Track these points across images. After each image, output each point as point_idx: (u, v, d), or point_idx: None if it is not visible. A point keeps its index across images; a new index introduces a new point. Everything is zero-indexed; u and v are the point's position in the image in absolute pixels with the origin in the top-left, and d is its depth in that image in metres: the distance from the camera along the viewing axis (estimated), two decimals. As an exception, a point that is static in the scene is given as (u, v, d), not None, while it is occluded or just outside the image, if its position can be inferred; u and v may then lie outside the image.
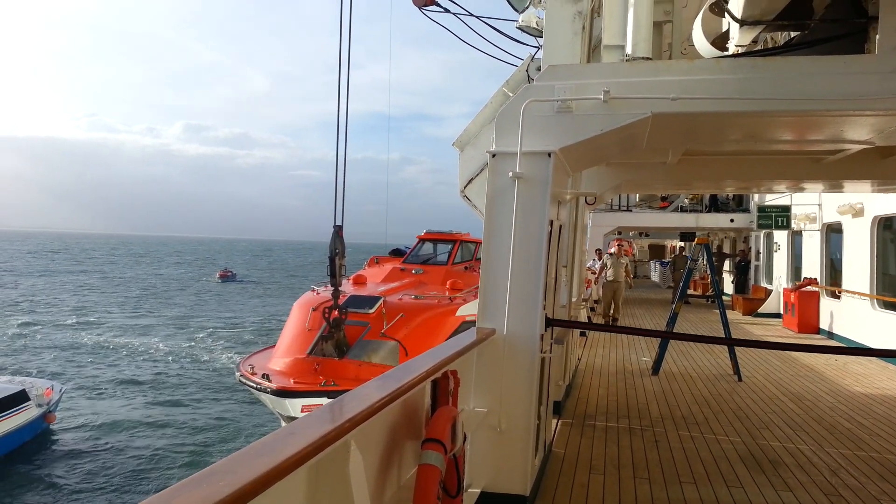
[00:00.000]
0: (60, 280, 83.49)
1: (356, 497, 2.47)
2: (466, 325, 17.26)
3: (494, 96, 8.02)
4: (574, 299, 9.95)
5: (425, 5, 9.82)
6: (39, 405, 20.14)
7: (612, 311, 18.91)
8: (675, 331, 12.09)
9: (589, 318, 17.53)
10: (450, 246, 21.74)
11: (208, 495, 1.54)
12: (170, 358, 35.19)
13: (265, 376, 14.65)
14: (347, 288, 17.63)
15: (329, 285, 15.21)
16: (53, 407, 21.07)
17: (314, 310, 16.23)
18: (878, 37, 4.47)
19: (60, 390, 22.40)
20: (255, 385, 14.47)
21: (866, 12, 4.73)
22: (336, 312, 14.71)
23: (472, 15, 10.19)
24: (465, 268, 20.94)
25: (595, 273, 21.50)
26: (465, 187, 7.89)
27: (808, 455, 7.05)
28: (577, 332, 11.75)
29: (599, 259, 23.05)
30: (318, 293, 17.86)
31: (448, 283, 18.87)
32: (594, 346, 14.30)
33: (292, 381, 14.51)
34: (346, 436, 2.33)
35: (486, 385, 4.83)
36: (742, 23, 4.84)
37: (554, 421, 7.80)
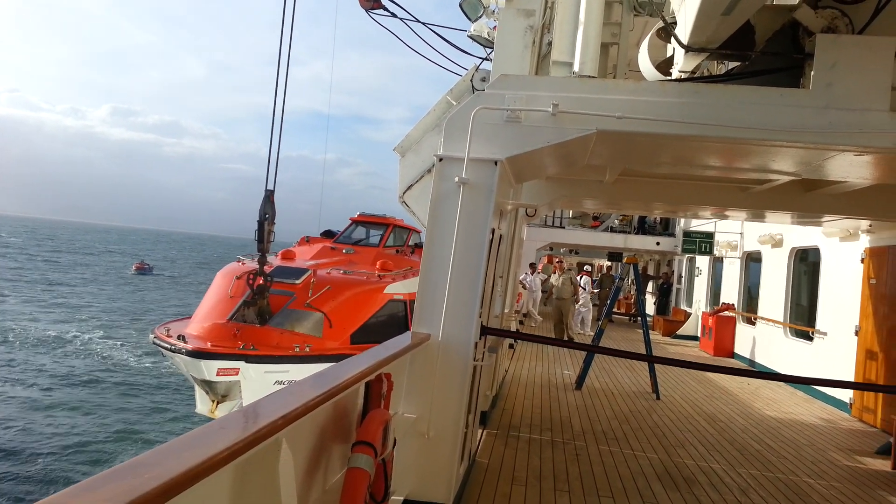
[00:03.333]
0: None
1: (284, 498, 2.37)
2: (394, 302, 17.15)
3: (438, 104, 8.02)
4: (507, 310, 10.02)
5: (372, 8, 9.76)
6: None
7: (565, 333, 18.65)
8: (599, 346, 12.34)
9: (518, 330, 17.72)
10: (382, 229, 21.56)
11: (132, 488, 1.43)
12: (78, 353, 33.55)
13: (181, 337, 14.07)
14: (275, 262, 17.17)
15: (256, 258, 14.78)
16: None
17: (238, 278, 15.76)
18: (812, 73, 4.69)
19: None
20: (169, 346, 13.83)
21: (803, 49, 4.96)
22: (261, 279, 14.30)
23: (419, 21, 10.20)
24: (397, 251, 20.76)
25: (526, 287, 21.75)
26: (404, 193, 7.84)
27: (721, 475, 7.28)
28: (506, 343, 11.83)
29: (532, 273, 23.33)
30: (243, 263, 17.34)
31: (378, 263, 18.62)
32: (521, 359, 14.45)
33: (209, 344, 13.98)
34: (277, 433, 2.22)
35: (418, 391, 4.77)
36: (687, 49, 4.98)
37: (479, 431, 7.80)
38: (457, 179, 4.81)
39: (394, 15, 9.97)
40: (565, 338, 18.28)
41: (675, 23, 5.41)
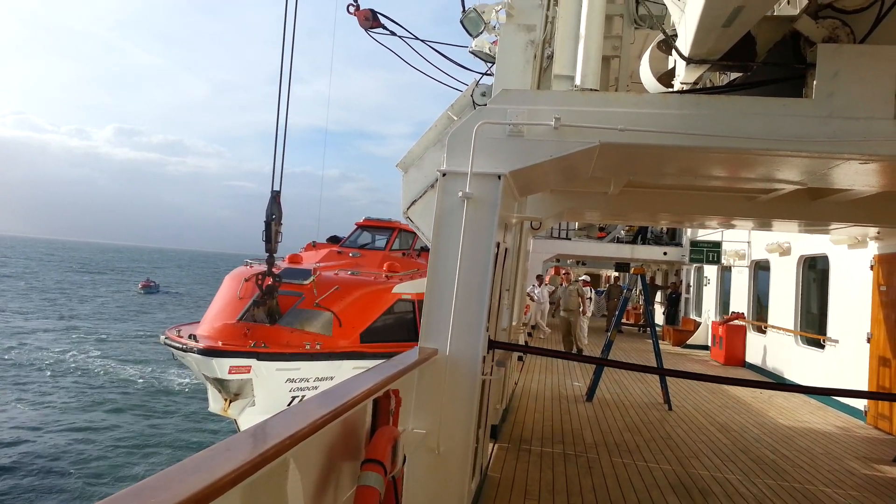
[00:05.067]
0: (-24, 284, 79.14)
1: None
2: (402, 302, 17.20)
3: (439, 119, 8.06)
4: (514, 323, 10.01)
5: (371, 27, 9.84)
6: None
7: (574, 346, 18.50)
8: (609, 358, 12.29)
9: (527, 342, 17.67)
10: (388, 233, 21.63)
11: None
12: (88, 371, 33.69)
13: (192, 337, 14.18)
14: (283, 266, 17.28)
15: (263, 261, 14.86)
16: None
17: (246, 280, 15.85)
18: (815, 83, 4.70)
19: None
20: (180, 346, 13.91)
21: (805, 59, 4.97)
22: (269, 279, 14.35)
23: (418, 39, 10.28)
24: (403, 254, 20.80)
25: (534, 299, 21.70)
26: (408, 208, 7.86)
27: (736, 485, 7.22)
28: (515, 356, 11.82)
29: (540, 285, 23.29)
30: (251, 266, 17.44)
31: (385, 264, 18.69)
32: (531, 371, 14.41)
33: (220, 343, 14.05)
34: (285, 454, 2.23)
35: (427, 406, 4.76)
36: (689, 61, 5.01)
37: (490, 444, 7.77)
38: (460, 194, 4.83)
39: (393, 33, 10.06)
40: (574, 350, 18.20)
41: (676, 35, 5.44)
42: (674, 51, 5.47)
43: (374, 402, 3.45)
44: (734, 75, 5.70)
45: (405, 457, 3.60)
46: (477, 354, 4.83)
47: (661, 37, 6.46)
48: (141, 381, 32.24)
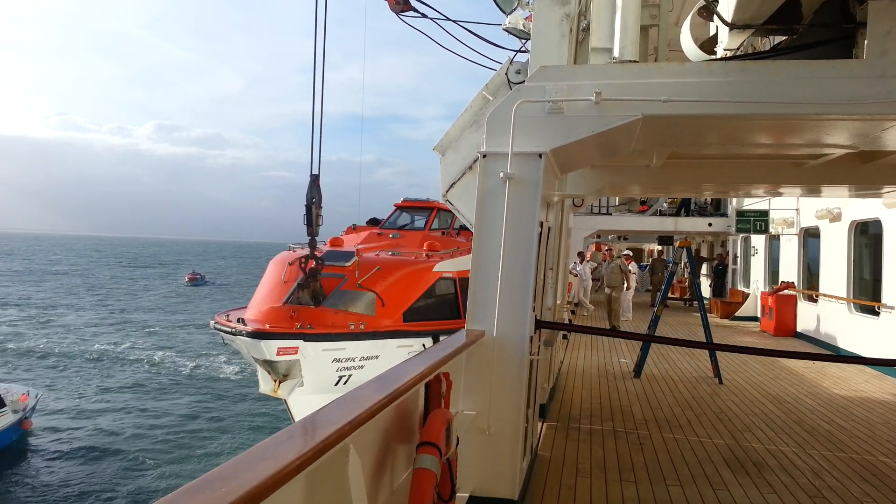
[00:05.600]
0: (29, 281, 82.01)
1: (355, 502, 2.41)
2: (444, 280, 17.32)
3: (474, 100, 8.00)
4: (559, 301, 9.96)
5: (402, 10, 9.79)
6: (15, 411, 19.74)
7: (609, 323, 18.35)
8: (656, 334, 12.16)
9: (570, 320, 17.58)
10: (427, 213, 21.73)
11: (211, 501, 1.48)
12: (142, 361, 34.78)
13: (240, 321, 14.60)
14: (324, 249, 17.54)
15: (305, 244, 15.10)
16: (29, 413, 20.66)
17: (290, 264, 16.11)
18: (866, 42, 4.52)
19: (37, 396, 21.97)
20: (229, 330, 14.31)
21: (854, 18, 4.78)
22: (312, 262, 14.57)
23: (449, 19, 10.18)
24: (443, 233, 20.88)
25: (576, 275, 21.54)
26: (447, 191, 7.85)
27: (791, 457, 7.10)
28: (560, 334, 11.78)
29: (581, 262, 23.10)
30: (294, 250, 17.70)
31: (425, 244, 18.80)
32: (576, 349, 14.34)
33: (268, 325, 14.42)
34: (345, 439, 2.27)
35: (475, 388, 4.78)
36: (732, 26, 4.85)
37: (539, 424, 7.78)
38: (502, 175, 4.80)
39: (424, 15, 9.99)
40: (609, 326, 18.06)
41: (717, 1, 5.28)
42: (716, 16, 5.31)
43: (425, 386, 3.48)
44: (778, 40, 5.52)
45: (458, 438, 3.63)
46: (524, 335, 4.83)
47: (701, 2, 6.28)
48: (193, 369, 33.16)
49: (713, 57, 5.98)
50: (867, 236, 13.90)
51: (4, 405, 19.33)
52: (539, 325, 5.44)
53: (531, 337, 4.99)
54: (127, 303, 63.13)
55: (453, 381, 3.84)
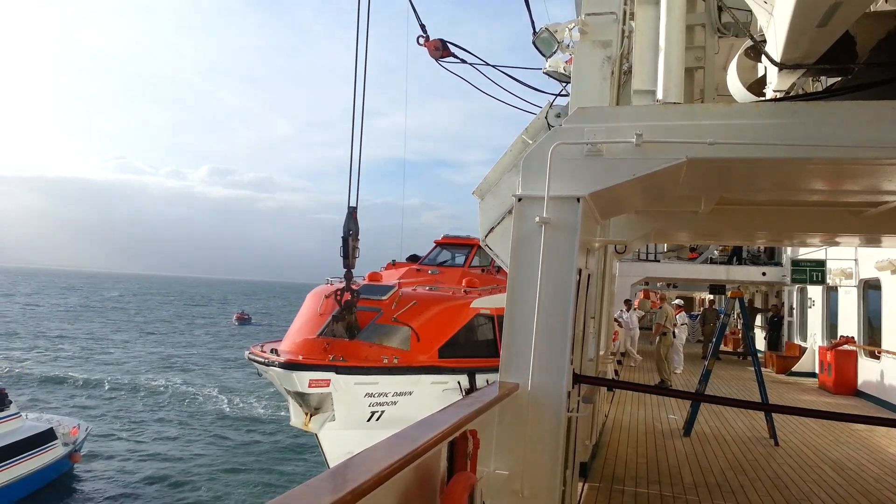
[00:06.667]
0: (84, 317, 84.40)
1: None
2: (482, 317, 17.00)
3: (514, 144, 7.88)
4: (602, 352, 9.57)
5: (442, 57, 9.84)
6: (65, 444, 19.99)
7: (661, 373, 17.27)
8: (707, 389, 11.58)
9: (616, 371, 16.98)
10: (467, 250, 21.51)
11: None
12: (193, 398, 35.17)
13: (274, 351, 14.47)
14: (362, 284, 17.41)
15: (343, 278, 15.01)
16: (79, 446, 20.90)
17: (327, 297, 15.99)
18: (928, 81, 4.22)
19: (87, 429, 22.26)
20: (262, 360, 14.17)
21: (916, 56, 4.49)
22: (348, 295, 14.40)
23: (488, 64, 10.18)
24: (483, 270, 20.59)
25: (622, 325, 20.94)
26: (486, 236, 7.69)
27: None
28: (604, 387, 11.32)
29: (627, 310, 22.50)
30: (332, 284, 17.57)
31: (464, 280, 18.54)
32: (621, 403, 13.77)
33: (301, 357, 14.25)
34: None
35: (508, 445, 4.48)
36: (781, 66, 4.60)
37: (580, 484, 7.35)
38: (538, 219, 4.59)
39: (463, 61, 10.02)
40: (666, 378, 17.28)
41: (765, 41, 5.04)
42: (764, 57, 5.07)
43: (449, 445, 3.22)
44: (831, 81, 5.23)
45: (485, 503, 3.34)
46: (561, 389, 4.53)
47: (748, 43, 6.05)
48: (236, 406, 33.38)
49: (762, 99, 5.72)
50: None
51: (55, 437, 19.58)
52: (578, 379, 5.13)
53: (569, 392, 4.69)
54: (177, 340, 64.32)
55: (484, 437, 3.57)
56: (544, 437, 4.49)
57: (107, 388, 36.78)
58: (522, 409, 4.51)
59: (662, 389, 11.41)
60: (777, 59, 4.62)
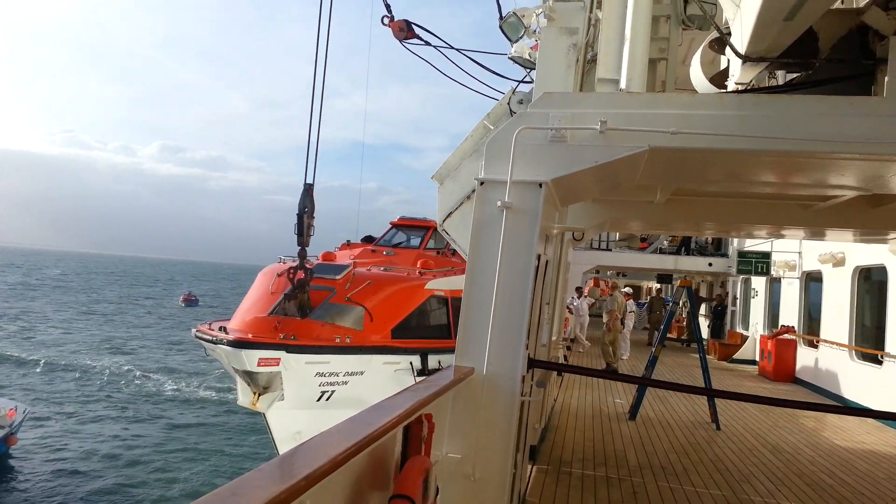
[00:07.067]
0: (23, 296, 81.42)
1: None
2: (436, 298, 16.98)
3: (475, 129, 7.81)
4: (554, 338, 9.65)
5: (406, 38, 9.67)
6: (1, 427, 19.26)
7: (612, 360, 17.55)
8: (654, 375, 11.82)
9: (566, 356, 17.21)
10: (423, 232, 21.41)
11: None
12: (136, 379, 34.31)
13: (222, 329, 14.12)
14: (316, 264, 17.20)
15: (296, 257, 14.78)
16: (16, 429, 20.14)
17: (279, 275, 15.70)
18: (886, 79, 4.30)
19: (24, 411, 21.46)
20: (210, 338, 13.83)
21: (874, 54, 4.57)
22: (302, 273, 14.19)
23: (452, 48, 10.05)
24: (438, 253, 20.56)
25: (573, 312, 21.21)
26: (444, 221, 7.62)
27: None
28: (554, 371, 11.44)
29: (579, 297, 22.80)
30: (284, 262, 17.25)
31: (419, 262, 18.50)
32: (570, 387, 13.97)
33: (250, 335, 13.91)
34: (301, 496, 1.95)
35: (462, 429, 4.45)
36: (745, 59, 4.64)
37: (529, 467, 7.42)
38: (499, 204, 4.54)
39: (427, 43, 9.87)
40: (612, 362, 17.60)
41: (730, 33, 5.07)
42: (728, 49, 5.10)
43: (404, 429, 3.17)
44: (792, 75, 5.31)
45: (437, 489, 3.30)
46: (516, 374, 4.52)
47: (710, 37, 6.09)
48: (179, 389, 32.72)
49: (725, 90, 5.77)
50: (871, 282, 13.64)
51: None
52: (532, 363, 5.13)
53: (523, 376, 4.68)
54: (120, 321, 62.60)
55: (438, 421, 3.53)
56: (497, 421, 4.48)
57: (46, 369, 35.52)
58: (477, 393, 4.49)
59: (613, 374, 11.60)
60: (742, 51, 4.65)
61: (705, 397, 11.80)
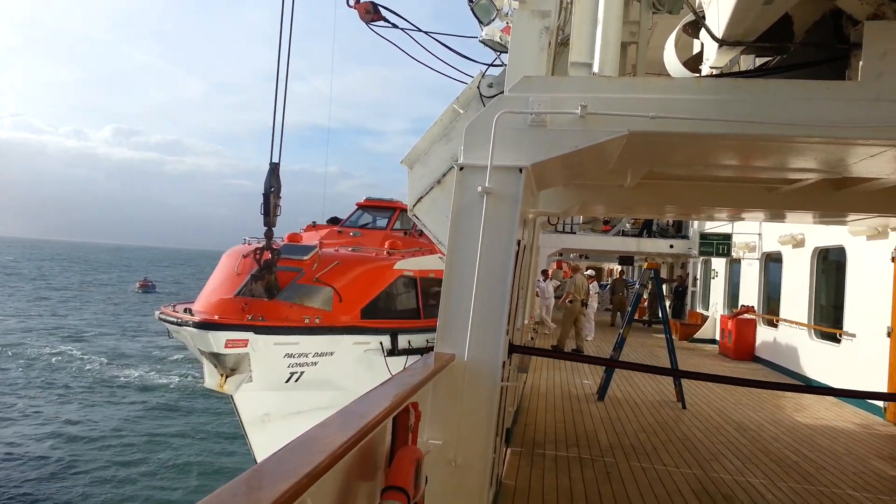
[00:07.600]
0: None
1: None
2: (404, 278, 16.98)
3: (444, 113, 7.72)
4: (525, 321, 9.69)
5: (372, 20, 9.49)
6: None
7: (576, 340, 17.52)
8: (621, 356, 11.98)
9: (532, 339, 17.33)
10: (389, 213, 21.42)
11: None
12: (92, 367, 33.56)
13: (187, 311, 13.93)
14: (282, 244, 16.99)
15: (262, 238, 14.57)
16: None
17: (245, 256, 15.52)
18: (860, 64, 4.36)
19: None
20: (175, 320, 13.56)
21: (848, 39, 4.63)
22: (268, 254, 13.98)
23: (420, 31, 9.90)
24: (405, 233, 20.50)
25: (539, 294, 21.35)
26: (414, 206, 7.54)
27: (761, 490, 6.92)
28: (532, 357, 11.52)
29: (544, 280, 22.96)
30: (249, 243, 17.07)
31: (387, 243, 18.48)
32: (538, 370, 14.08)
33: (217, 316, 13.72)
34: (303, 495, 1.90)
35: (443, 415, 4.43)
36: (721, 43, 4.66)
37: (504, 450, 7.46)
38: (480, 189, 4.50)
39: (395, 26, 9.70)
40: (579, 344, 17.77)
41: (704, 16, 5.09)
42: (704, 32, 5.12)
43: (393, 420, 3.12)
44: (764, 59, 5.35)
45: (426, 478, 3.27)
46: (497, 360, 4.50)
47: (685, 20, 6.11)
48: (137, 376, 32.14)
49: (701, 75, 5.80)
50: (829, 263, 14.01)
51: None
52: (513, 349, 5.13)
53: (504, 362, 4.67)
54: (75, 307, 61.05)
55: (421, 408, 3.50)
56: (479, 407, 4.47)
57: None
58: (458, 380, 4.47)
59: (585, 357, 11.74)
60: (719, 34, 4.66)
61: (671, 378, 12.01)
